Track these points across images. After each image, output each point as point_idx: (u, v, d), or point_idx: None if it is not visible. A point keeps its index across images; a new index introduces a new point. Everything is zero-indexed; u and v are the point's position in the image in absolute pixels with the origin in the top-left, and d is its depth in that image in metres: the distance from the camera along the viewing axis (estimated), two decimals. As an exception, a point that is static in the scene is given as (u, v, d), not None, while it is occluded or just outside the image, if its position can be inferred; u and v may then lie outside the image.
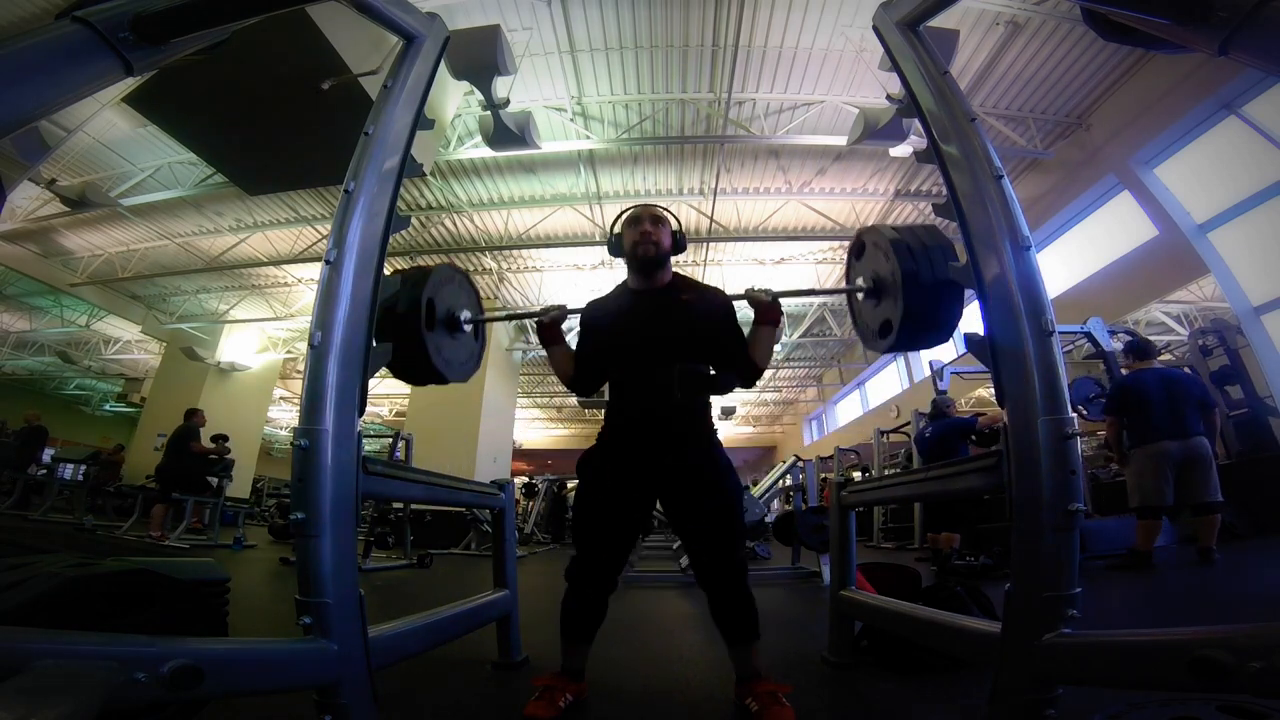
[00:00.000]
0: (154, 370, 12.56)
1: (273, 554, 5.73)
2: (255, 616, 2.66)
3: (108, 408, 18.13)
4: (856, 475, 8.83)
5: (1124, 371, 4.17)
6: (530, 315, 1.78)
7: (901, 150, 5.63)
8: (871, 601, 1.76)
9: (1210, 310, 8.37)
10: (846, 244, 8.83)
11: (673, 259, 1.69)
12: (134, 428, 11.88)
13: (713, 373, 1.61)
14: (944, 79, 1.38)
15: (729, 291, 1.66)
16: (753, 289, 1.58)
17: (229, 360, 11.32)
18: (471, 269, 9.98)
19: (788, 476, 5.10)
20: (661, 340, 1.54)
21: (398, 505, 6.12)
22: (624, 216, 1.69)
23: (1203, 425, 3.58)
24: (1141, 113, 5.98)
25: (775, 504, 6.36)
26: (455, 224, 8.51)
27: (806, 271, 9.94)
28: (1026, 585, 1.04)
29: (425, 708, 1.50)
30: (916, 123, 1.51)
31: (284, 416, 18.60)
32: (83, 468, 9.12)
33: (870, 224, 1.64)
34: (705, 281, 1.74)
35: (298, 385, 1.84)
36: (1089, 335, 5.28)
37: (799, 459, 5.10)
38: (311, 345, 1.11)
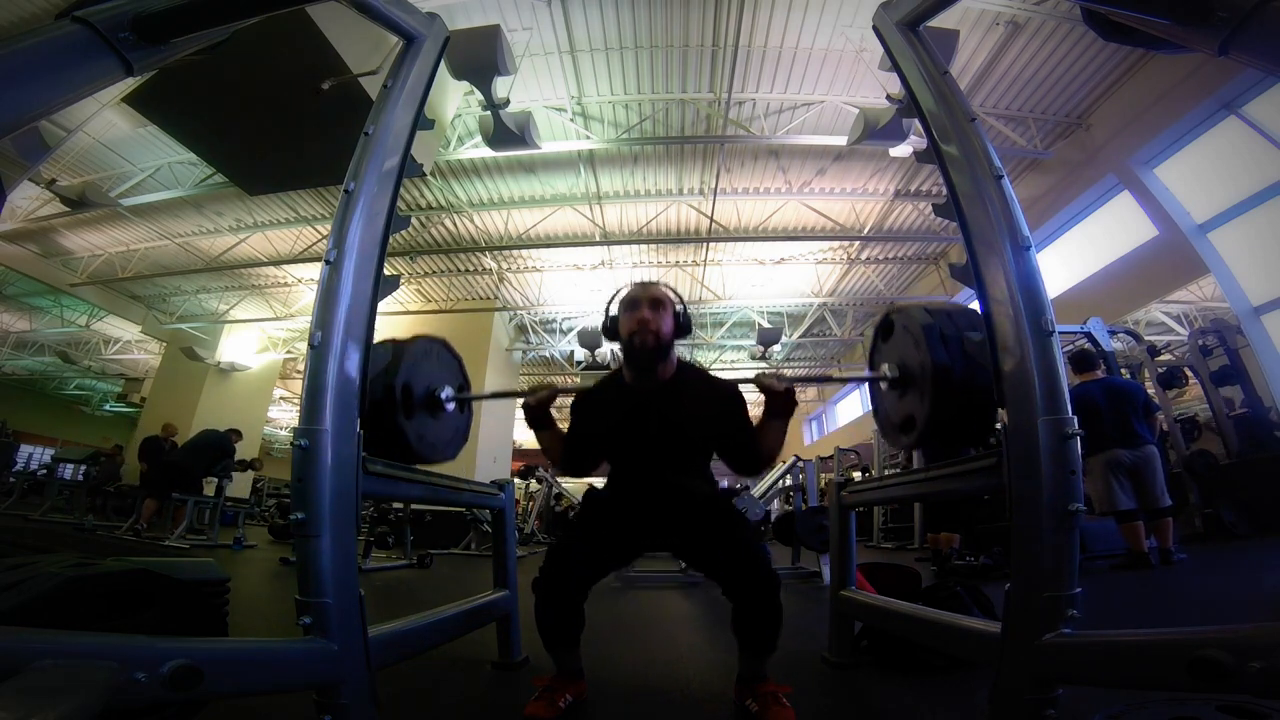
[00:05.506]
0: (154, 370, 12.56)
1: (273, 554, 5.73)
2: (255, 616, 2.66)
3: (108, 408, 18.15)
4: (856, 475, 8.82)
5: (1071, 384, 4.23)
6: (518, 395, 1.65)
7: (901, 150, 5.63)
8: (871, 601, 1.76)
9: (1210, 310, 8.37)
10: (846, 243, 8.92)
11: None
12: (134, 428, 11.86)
13: (711, 487, 1.56)
14: (944, 79, 1.38)
15: (735, 366, 1.60)
16: (764, 375, 1.43)
17: (229, 360, 11.31)
18: (471, 269, 9.99)
19: (788, 477, 5.09)
20: (661, 450, 1.50)
21: (398, 505, 6.11)
22: (619, 297, 1.55)
23: (1150, 433, 3.74)
24: (1141, 113, 5.98)
25: (775, 504, 6.35)
26: (455, 224, 8.52)
27: (806, 271, 9.94)
28: (1026, 585, 1.03)
29: (425, 708, 1.50)
30: (916, 123, 1.49)
31: (284, 416, 18.59)
32: (83, 468, 9.11)
33: (900, 305, 1.48)
34: (710, 352, 1.67)
35: (298, 385, 1.82)
36: (1089, 335, 5.28)
37: (799, 459, 5.10)
38: (311, 345, 1.11)
